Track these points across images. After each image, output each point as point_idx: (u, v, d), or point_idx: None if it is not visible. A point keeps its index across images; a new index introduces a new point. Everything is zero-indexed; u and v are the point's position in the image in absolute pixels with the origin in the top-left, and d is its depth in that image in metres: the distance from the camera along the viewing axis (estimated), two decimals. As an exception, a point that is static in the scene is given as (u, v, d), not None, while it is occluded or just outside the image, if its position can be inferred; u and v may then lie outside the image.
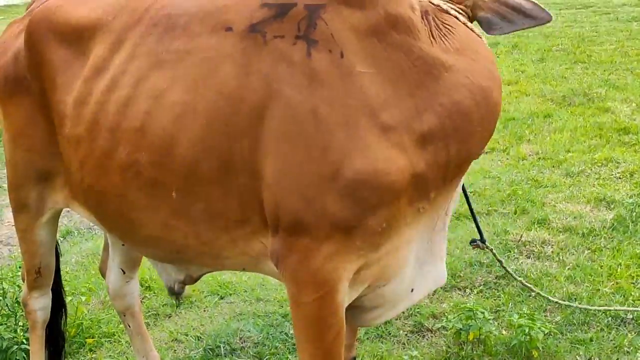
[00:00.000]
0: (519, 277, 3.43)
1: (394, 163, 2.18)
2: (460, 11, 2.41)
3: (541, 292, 3.51)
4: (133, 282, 3.32)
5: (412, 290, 2.54)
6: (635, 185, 5.41)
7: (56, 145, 2.78)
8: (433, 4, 2.44)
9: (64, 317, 3.50)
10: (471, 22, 2.45)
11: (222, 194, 2.35)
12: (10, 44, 2.89)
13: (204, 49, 2.38)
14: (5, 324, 3.57)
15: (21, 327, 3.51)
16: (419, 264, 2.49)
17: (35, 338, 3.20)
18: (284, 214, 2.27)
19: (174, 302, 3.41)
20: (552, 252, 4.40)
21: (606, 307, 3.70)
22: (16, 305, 3.65)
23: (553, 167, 5.93)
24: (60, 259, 3.48)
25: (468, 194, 2.80)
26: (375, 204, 2.20)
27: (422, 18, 2.32)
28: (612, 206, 5.01)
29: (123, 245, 3.11)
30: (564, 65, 9.32)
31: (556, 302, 3.62)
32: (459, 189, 2.63)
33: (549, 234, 4.65)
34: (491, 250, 2.97)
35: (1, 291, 3.74)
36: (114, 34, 2.57)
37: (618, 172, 5.75)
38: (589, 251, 4.35)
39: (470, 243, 2.92)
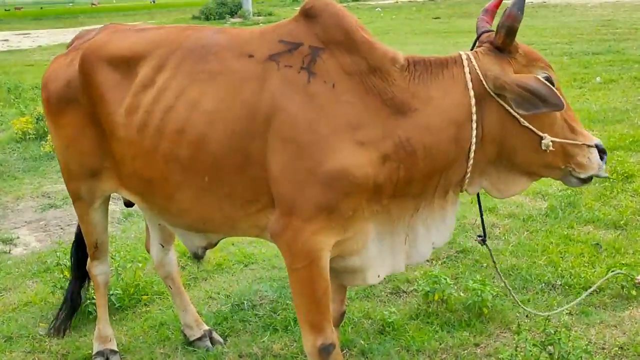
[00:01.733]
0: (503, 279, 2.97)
1: (362, 169, 2.19)
2: (470, 71, 2.22)
3: (524, 307, 2.98)
4: (170, 253, 3.13)
5: (372, 270, 2.47)
6: (564, 182, 5.22)
7: (104, 147, 2.66)
8: (447, 58, 2.32)
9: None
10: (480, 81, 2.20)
11: (240, 181, 2.32)
12: (62, 73, 2.73)
13: (231, 71, 2.33)
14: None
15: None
16: (379, 251, 2.44)
17: (99, 296, 3.05)
18: (281, 198, 2.25)
19: (197, 264, 3.12)
20: (499, 232, 4.24)
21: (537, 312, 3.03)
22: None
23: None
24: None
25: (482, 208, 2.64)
26: (345, 193, 2.18)
27: (406, 70, 2.26)
28: (546, 198, 4.83)
29: (159, 225, 2.96)
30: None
31: (535, 313, 3.11)
32: (427, 219, 2.42)
33: (497, 219, 4.51)
34: (489, 249, 2.74)
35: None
36: (156, 60, 2.49)
37: (550, 172, 5.57)
38: (528, 232, 4.21)
39: (477, 237, 2.76)
